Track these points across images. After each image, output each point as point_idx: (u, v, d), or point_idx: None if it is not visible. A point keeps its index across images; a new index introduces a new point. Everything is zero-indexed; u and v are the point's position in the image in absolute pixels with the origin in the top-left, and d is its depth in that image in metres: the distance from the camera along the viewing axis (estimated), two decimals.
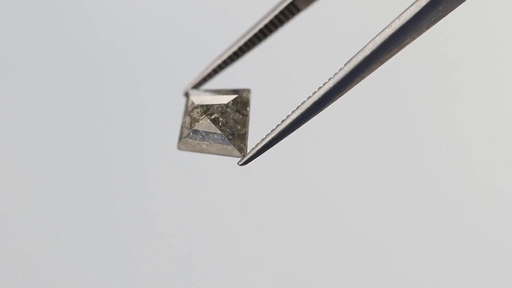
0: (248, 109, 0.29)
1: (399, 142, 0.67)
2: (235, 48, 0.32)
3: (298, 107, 0.29)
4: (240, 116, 0.29)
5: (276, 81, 0.67)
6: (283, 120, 0.29)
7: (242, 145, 0.29)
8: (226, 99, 0.29)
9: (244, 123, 0.29)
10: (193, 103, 0.29)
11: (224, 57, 0.33)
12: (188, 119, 0.29)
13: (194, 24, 0.72)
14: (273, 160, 0.61)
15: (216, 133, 0.29)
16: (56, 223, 0.69)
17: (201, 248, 0.68)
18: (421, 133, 0.67)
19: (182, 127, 0.29)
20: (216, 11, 0.71)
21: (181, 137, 0.29)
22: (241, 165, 0.29)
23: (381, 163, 0.67)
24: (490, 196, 0.66)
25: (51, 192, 0.69)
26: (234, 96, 0.29)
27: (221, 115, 0.29)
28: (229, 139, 0.29)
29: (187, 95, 0.31)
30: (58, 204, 0.69)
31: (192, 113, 0.29)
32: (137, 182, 0.69)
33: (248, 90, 0.29)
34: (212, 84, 0.32)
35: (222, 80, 0.35)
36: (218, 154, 0.29)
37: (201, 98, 0.29)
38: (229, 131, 0.29)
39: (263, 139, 0.29)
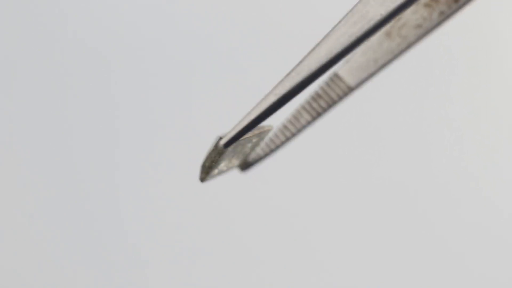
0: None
1: (401, 144, 0.67)
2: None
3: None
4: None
5: None
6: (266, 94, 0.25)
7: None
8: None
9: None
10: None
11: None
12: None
13: (205, 28, 0.72)
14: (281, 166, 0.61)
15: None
16: (62, 224, 0.69)
17: (211, 249, 0.68)
18: (421, 133, 0.67)
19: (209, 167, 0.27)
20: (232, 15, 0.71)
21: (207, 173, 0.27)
22: (224, 146, 0.25)
23: (383, 166, 0.67)
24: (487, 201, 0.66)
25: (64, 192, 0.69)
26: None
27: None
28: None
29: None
30: (61, 204, 0.69)
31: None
32: (146, 185, 0.69)
33: (270, 128, 0.27)
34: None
35: None
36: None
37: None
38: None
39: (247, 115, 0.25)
